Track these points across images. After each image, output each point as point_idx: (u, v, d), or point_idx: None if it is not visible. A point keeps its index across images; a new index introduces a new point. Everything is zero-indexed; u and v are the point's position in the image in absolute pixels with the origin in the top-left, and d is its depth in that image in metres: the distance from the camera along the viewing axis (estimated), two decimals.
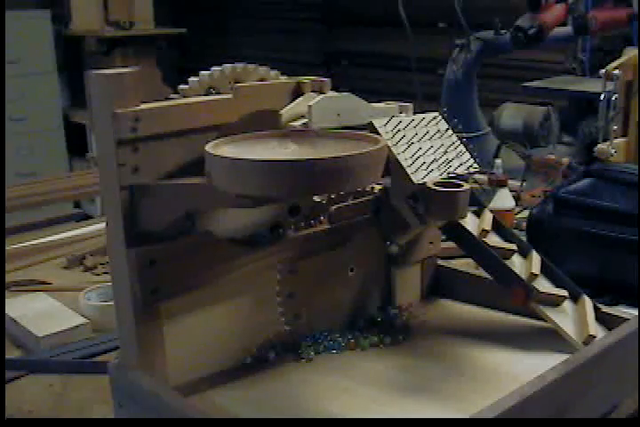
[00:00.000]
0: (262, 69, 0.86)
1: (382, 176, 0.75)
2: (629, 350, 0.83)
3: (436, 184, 0.83)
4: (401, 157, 0.83)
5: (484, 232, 0.90)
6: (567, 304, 0.90)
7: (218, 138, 0.75)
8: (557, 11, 2.01)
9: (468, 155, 0.89)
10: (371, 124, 0.85)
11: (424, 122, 0.88)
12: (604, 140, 1.49)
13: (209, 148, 0.71)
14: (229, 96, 0.79)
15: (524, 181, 1.64)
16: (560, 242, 1.17)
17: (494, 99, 2.41)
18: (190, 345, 0.81)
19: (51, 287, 1.24)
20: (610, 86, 1.49)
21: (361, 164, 0.69)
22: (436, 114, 0.90)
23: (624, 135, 1.53)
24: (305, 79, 0.86)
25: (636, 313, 0.89)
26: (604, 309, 0.90)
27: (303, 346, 0.89)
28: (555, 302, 0.89)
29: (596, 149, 1.48)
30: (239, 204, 0.73)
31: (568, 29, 2.16)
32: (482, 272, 0.95)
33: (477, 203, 0.95)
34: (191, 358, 0.82)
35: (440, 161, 0.85)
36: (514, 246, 0.92)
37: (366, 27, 3.83)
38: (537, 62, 3.07)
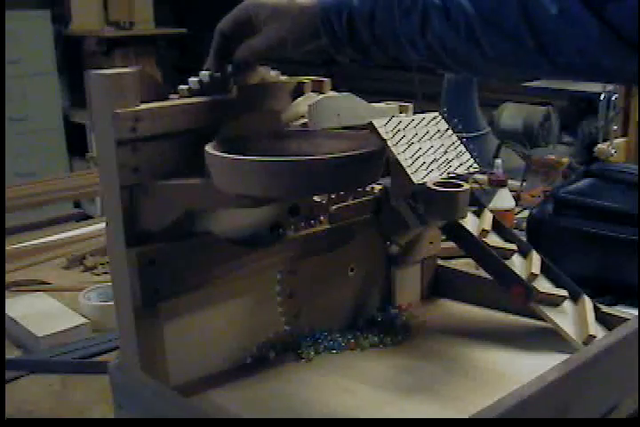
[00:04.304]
0: (262, 69, 0.85)
1: (382, 176, 0.75)
2: (629, 350, 0.83)
3: (436, 184, 0.83)
4: (401, 157, 0.83)
5: (484, 232, 0.91)
6: (567, 304, 0.90)
7: (218, 138, 0.75)
8: None
9: (467, 155, 0.89)
10: (371, 124, 0.85)
11: (424, 122, 0.88)
12: (604, 140, 1.49)
13: (209, 148, 0.71)
14: (229, 96, 0.79)
15: (524, 181, 1.64)
16: (560, 242, 1.17)
17: (494, 99, 2.40)
18: (190, 345, 0.81)
19: (51, 287, 1.24)
20: (610, 86, 1.49)
21: (361, 164, 0.69)
22: (435, 114, 0.90)
23: (624, 135, 1.53)
24: (305, 79, 0.86)
25: (636, 313, 0.89)
26: (604, 309, 0.90)
27: (303, 346, 0.89)
28: (555, 302, 0.89)
29: (595, 149, 1.48)
30: (239, 204, 0.73)
31: None
32: (482, 272, 0.95)
33: (477, 203, 0.95)
34: (191, 358, 0.82)
35: (440, 161, 0.85)
36: (514, 246, 0.92)
37: None
38: None
